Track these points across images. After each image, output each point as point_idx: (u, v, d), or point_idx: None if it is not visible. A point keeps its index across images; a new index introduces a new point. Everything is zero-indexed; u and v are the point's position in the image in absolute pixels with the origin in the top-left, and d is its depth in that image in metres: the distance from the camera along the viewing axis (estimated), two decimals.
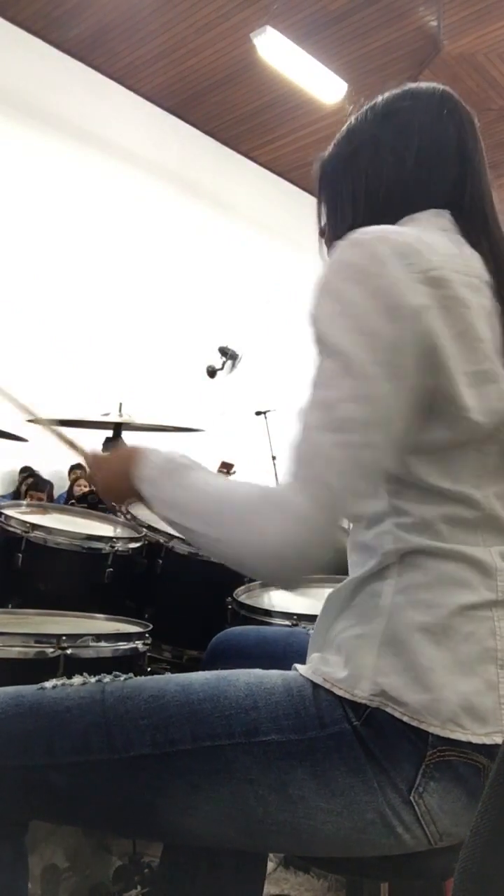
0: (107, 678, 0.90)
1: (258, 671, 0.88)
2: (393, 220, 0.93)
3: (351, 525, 0.93)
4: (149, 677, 0.91)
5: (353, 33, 6.54)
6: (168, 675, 0.91)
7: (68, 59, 7.19)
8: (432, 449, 0.84)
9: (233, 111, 7.96)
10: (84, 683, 0.89)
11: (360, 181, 0.97)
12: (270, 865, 1.71)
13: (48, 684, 0.90)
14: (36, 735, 0.84)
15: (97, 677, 0.90)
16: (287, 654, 1.07)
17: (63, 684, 0.89)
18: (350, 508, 0.80)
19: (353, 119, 1.02)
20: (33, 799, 0.86)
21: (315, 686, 0.85)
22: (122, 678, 0.90)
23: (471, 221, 0.92)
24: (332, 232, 0.99)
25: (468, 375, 0.82)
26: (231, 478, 3.93)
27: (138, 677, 0.91)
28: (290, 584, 0.87)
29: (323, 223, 1.03)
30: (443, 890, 1.15)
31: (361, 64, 6.85)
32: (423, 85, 1.00)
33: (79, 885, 1.28)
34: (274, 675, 0.87)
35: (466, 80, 7.09)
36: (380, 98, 1.01)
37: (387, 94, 1.00)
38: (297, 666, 0.89)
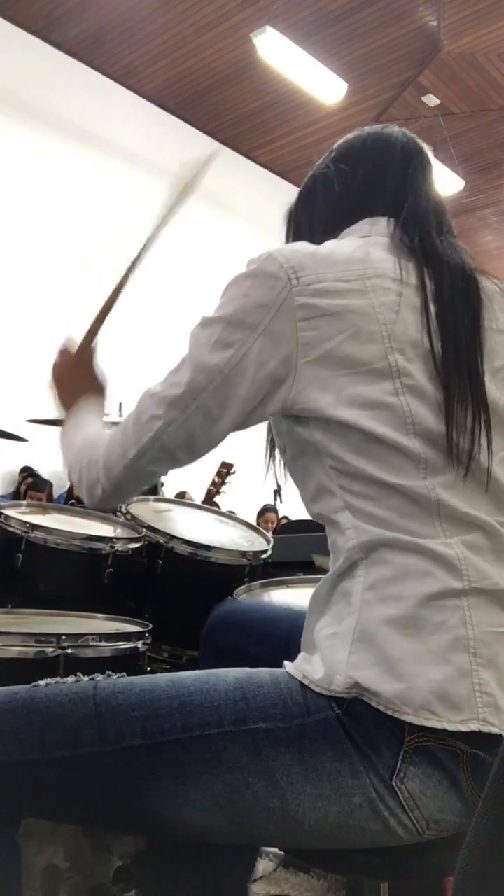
0: (100, 677, 0.92)
1: (247, 669, 0.90)
2: (335, 235, 1.03)
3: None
4: (141, 675, 0.93)
5: (353, 33, 6.55)
6: (159, 674, 0.92)
7: (68, 59, 7.20)
8: (352, 445, 0.88)
9: (233, 111, 7.96)
10: (77, 682, 0.91)
11: (316, 211, 1.08)
12: (270, 865, 1.71)
13: (42, 683, 0.91)
14: (28, 730, 0.86)
15: (90, 676, 0.92)
16: (292, 638, 1.08)
17: (57, 682, 0.91)
18: (136, 468, 0.96)
19: (315, 166, 1.12)
20: (25, 795, 0.87)
21: (300, 682, 0.86)
22: (114, 677, 0.92)
23: (407, 228, 0.99)
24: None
25: (358, 375, 0.88)
26: (229, 480, 3.94)
27: (130, 676, 0.92)
28: (98, 504, 1.06)
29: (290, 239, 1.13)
30: (442, 890, 1.15)
31: (361, 64, 6.85)
32: (378, 127, 1.11)
33: (79, 885, 1.28)
34: (263, 672, 0.89)
35: (466, 80, 7.10)
36: (337, 143, 1.12)
37: (343, 140, 1.11)
38: (286, 663, 0.91)
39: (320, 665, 0.85)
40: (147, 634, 1.42)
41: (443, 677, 0.81)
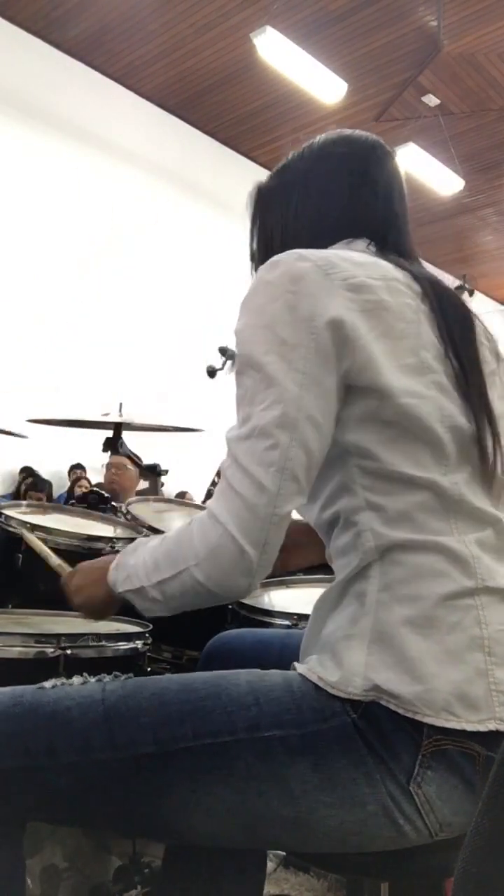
0: (107, 678, 0.90)
1: (258, 671, 0.89)
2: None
3: (335, 530, 0.94)
4: (149, 677, 0.91)
5: (353, 33, 6.55)
6: (168, 675, 0.91)
7: (68, 59, 7.19)
8: (387, 437, 0.88)
9: (233, 111, 7.96)
10: (84, 683, 0.90)
11: (289, 215, 1.06)
12: (270, 865, 1.71)
13: (47, 684, 0.90)
14: (36, 735, 0.84)
15: (97, 677, 0.90)
16: (283, 655, 1.08)
17: (62, 684, 0.90)
18: (278, 507, 0.83)
19: (291, 154, 1.10)
20: (33, 800, 0.86)
21: (314, 684, 0.85)
22: (122, 678, 0.90)
23: (384, 247, 1.02)
24: (260, 257, 1.08)
25: (397, 369, 0.88)
26: (216, 473, 3.93)
27: (138, 677, 0.91)
28: (241, 591, 0.88)
29: (254, 247, 1.11)
30: (443, 890, 1.15)
31: (361, 64, 6.85)
32: (357, 133, 1.09)
33: (79, 885, 1.28)
34: (275, 674, 0.88)
35: (466, 80, 7.09)
36: (318, 139, 1.09)
37: (324, 137, 1.09)
38: (297, 665, 0.90)
39: (335, 668, 0.85)
40: (147, 634, 1.42)
41: (461, 677, 0.81)
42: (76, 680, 0.90)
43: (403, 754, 0.80)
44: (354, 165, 1.06)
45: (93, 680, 0.90)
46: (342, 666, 0.84)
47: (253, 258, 1.11)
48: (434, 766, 0.80)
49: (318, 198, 1.05)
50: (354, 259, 0.94)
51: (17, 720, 0.85)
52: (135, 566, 0.93)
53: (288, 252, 0.93)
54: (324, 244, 1.00)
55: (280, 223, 1.07)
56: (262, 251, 1.08)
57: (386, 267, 0.96)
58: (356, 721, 0.81)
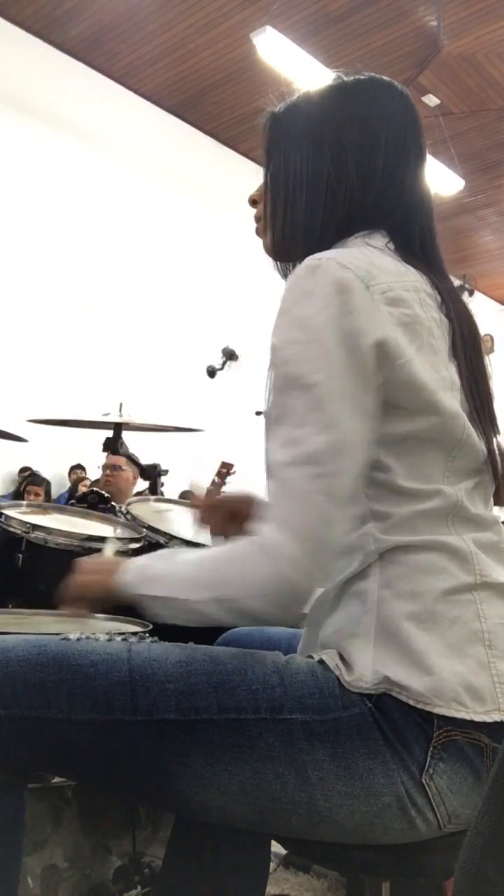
0: (133, 638, 0.90)
1: (281, 654, 0.90)
2: (338, 231, 0.95)
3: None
4: (174, 643, 0.90)
5: (353, 33, 6.55)
6: (193, 644, 0.90)
7: (68, 59, 7.19)
8: (403, 448, 0.88)
9: (233, 111, 7.96)
10: (110, 640, 0.89)
11: (319, 187, 0.96)
12: (271, 866, 1.71)
13: (72, 636, 0.89)
14: (57, 687, 0.83)
15: (122, 636, 0.89)
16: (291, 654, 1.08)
17: (87, 638, 0.89)
18: (332, 537, 0.81)
19: (314, 95, 1.02)
20: (45, 751, 0.85)
21: (334, 673, 0.86)
22: (147, 640, 0.90)
23: (407, 241, 0.97)
24: (274, 222, 1.00)
25: (437, 385, 0.88)
26: (229, 480, 3.93)
27: (163, 642, 0.90)
28: (296, 619, 0.88)
29: (258, 192, 1.05)
30: (443, 890, 1.15)
31: (361, 64, 6.82)
32: (389, 86, 1.01)
33: (79, 885, 1.28)
34: (298, 659, 0.89)
35: (466, 80, 7.09)
36: (347, 79, 1.02)
37: (353, 81, 1.02)
38: (320, 653, 0.89)
39: (350, 665, 0.85)
40: (147, 634, 1.42)
41: (465, 669, 0.82)
42: (101, 636, 0.89)
43: (415, 746, 0.81)
44: (391, 136, 0.96)
45: (118, 638, 0.89)
46: (353, 664, 0.85)
47: (254, 203, 1.06)
48: (445, 758, 0.81)
49: (353, 176, 0.95)
50: (385, 267, 0.89)
51: (40, 669, 0.84)
52: (166, 574, 0.88)
53: (324, 255, 0.86)
54: (344, 229, 0.95)
55: (304, 196, 0.97)
56: (275, 216, 1.00)
57: (412, 275, 0.93)
58: (373, 710, 0.82)
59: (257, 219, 1.05)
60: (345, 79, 1.03)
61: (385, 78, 1.02)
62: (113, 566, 0.96)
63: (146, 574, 0.91)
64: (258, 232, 1.06)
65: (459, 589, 0.86)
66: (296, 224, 0.97)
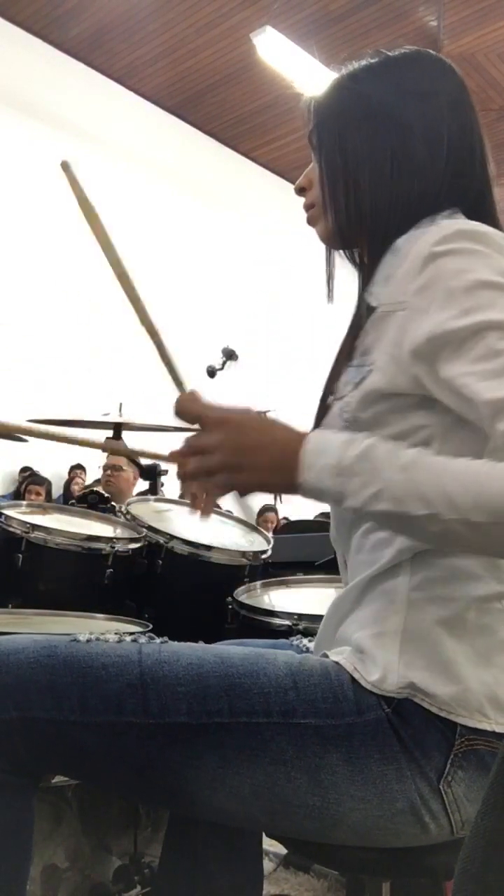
0: (142, 638, 0.89)
1: (294, 653, 0.89)
2: (406, 211, 0.90)
3: (356, 529, 0.92)
4: (185, 644, 0.89)
5: (353, 33, 6.55)
6: (203, 645, 0.90)
7: (68, 59, 7.19)
8: (450, 421, 0.82)
9: (233, 111, 7.96)
10: (119, 641, 0.88)
11: (384, 165, 0.91)
12: (270, 865, 1.71)
13: (81, 637, 0.88)
14: (68, 690, 0.83)
15: (132, 636, 0.88)
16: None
17: (97, 638, 0.88)
18: None
19: (361, 72, 0.99)
20: (56, 753, 0.85)
21: (349, 675, 0.85)
22: (157, 641, 0.89)
23: (491, 219, 0.92)
24: (336, 206, 0.95)
25: None
26: None
27: (174, 643, 0.90)
28: None
29: (305, 178, 1.01)
30: (443, 890, 1.15)
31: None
32: (438, 59, 0.96)
33: (79, 885, 1.28)
34: (312, 659, 0.87)
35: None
36: (393, 54, 0.96)
37: (400, 55, 0.96)
38: (332, 653, 0.88)
39: (372, 666, 0.84)
40: (147, 634, 1.42)
41: (492, 680, 0.82)
42: (111, 637, 0.89)
43: (435, 752, 0.80)
44: (454, 115, 0.94)
45: (128, 639, 0.88)
46: (377, 664, 0.83)
47: (301, 191, 1.02)
48: (465, 766, 0.80)
49: (421, 158, 0.91)
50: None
51: (50, 671, 0.83)
52: (394, 482, 0.74)
53: (461, 222, 0.83)
54: (417, 209, 0.89)
55: (364, 163, 0.92)
56: (335, 198, 0.95)
57: None
58: (390, 716, 0.81)
59: (308, 207, 1.01)
60: (390, 54, 0.98)
61: (431, 52, 0.98)
62: (296, 442, 0.81)
63: (351, 468, 0.77)
64: (310, 220, 1.01)
65: (492, 597, 0.84)
66: (361, 206, 0.92)
